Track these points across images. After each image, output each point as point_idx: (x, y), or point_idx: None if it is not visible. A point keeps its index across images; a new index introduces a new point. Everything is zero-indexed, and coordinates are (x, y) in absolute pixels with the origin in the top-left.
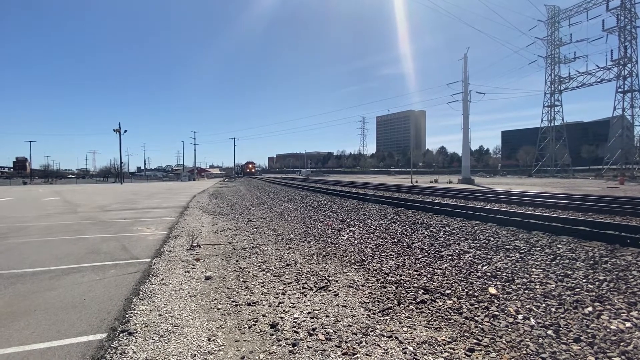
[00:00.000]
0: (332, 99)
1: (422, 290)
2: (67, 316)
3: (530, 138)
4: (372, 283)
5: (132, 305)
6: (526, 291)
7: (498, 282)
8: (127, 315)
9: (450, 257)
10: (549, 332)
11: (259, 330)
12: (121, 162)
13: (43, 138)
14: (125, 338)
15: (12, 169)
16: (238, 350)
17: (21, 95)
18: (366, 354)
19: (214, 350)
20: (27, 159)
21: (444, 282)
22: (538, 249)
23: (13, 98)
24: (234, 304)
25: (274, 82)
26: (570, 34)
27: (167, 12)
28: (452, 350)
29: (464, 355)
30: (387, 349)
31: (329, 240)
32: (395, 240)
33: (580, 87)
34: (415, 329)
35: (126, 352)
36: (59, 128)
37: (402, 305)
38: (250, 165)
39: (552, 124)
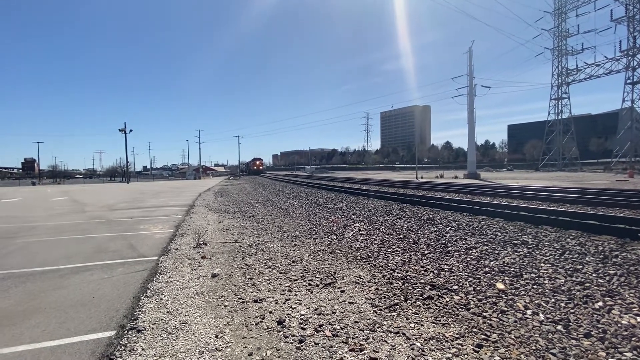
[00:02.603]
0: (336, 95)
1: (428, 286)
2: (76, 314)
3: (537, 132)
4: (378, 279)
5: (140, 303)
6: (535, 286)
7: (506, 278)
8: (135, 313)
9: (457, 253)
10: (559, 327)
11: (265, 327)
12: (127, 162)
13: (50, 139)
14: (133, 335)
15: (21, 170)
16: (245, 346)
17: (28, 97)
18: (373, 350)
19: (222, 347)
20: (35, 159)
21: (451, 277)
22: (546, 243)
23: (20, 100)
24: (240, 301)
25: (278, 80)
26: (578, 24)
27: (171, 10)
28: (460, 346)
29: (472, 351)
30: (394, 345)
31: (335, 237)
32: (401, 236)
33: (588, 79)
34: (422, 325)
35: (135, 349)
36: (66, 129)
37: (408, 301)
38: (257, 162)
39: (560, 117)
